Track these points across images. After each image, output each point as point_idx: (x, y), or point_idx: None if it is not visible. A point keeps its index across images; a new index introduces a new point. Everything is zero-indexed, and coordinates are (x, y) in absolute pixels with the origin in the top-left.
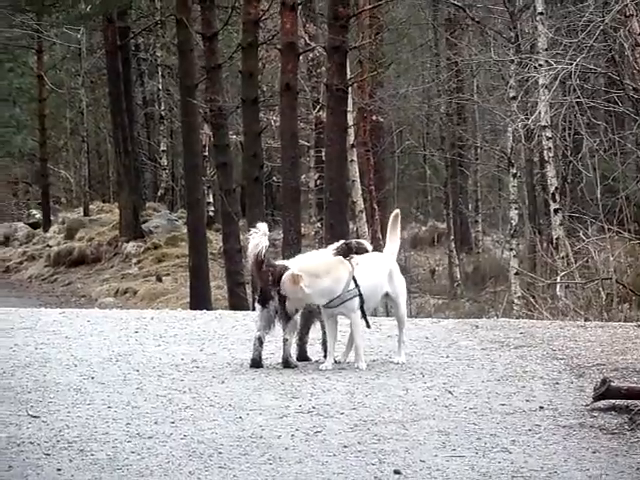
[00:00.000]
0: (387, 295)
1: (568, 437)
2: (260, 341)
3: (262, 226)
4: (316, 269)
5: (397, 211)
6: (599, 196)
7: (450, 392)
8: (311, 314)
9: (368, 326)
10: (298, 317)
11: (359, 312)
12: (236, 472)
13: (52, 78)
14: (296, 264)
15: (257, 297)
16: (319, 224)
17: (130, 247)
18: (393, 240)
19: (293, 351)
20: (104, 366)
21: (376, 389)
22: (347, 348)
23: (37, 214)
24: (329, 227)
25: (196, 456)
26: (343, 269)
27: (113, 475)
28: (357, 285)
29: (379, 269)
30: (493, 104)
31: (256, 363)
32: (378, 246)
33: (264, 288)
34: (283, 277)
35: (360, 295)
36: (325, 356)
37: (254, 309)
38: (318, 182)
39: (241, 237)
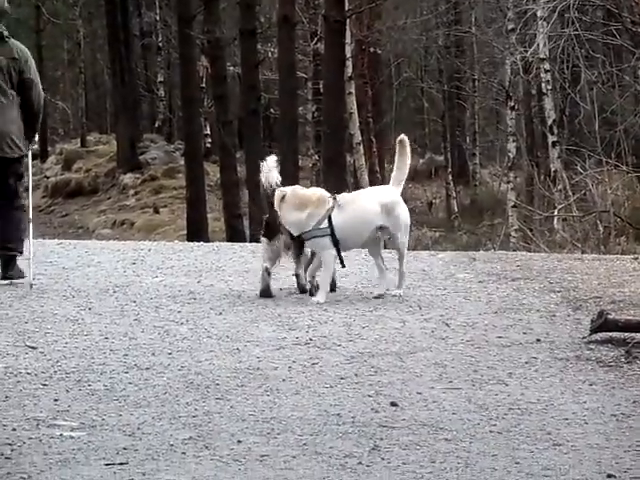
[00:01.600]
0: (382, 228)
1: (565, 370)
2: (268, 272)
3: (270, 160)
4: (299, 199)
5: (403, 136)
6: (597, 129)
7: (447, 324)
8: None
9: (342, 265)
10: (308, 251)
11: (331, 251)
12: (233, 403)
13: (49, 9)
14: (294, 190)
15: (263, 230)
16: (317, 156)
17: (127, 178)
18: (400, 168)
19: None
20: (101, 297)
21: (373, 321)
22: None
23: (34, 145)
24: (327, 159)
25: (193, 387)
26: (320, 206)
27: (110, 406)
28: (330, 224)
29: (368, 206)
30: (491, 36)
31: (266, 293)
32: (375, 179)
33: (270, 221)
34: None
35: (332, 235)
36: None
37: (257, 241)
38: (316, 114)
39: (239, 169)
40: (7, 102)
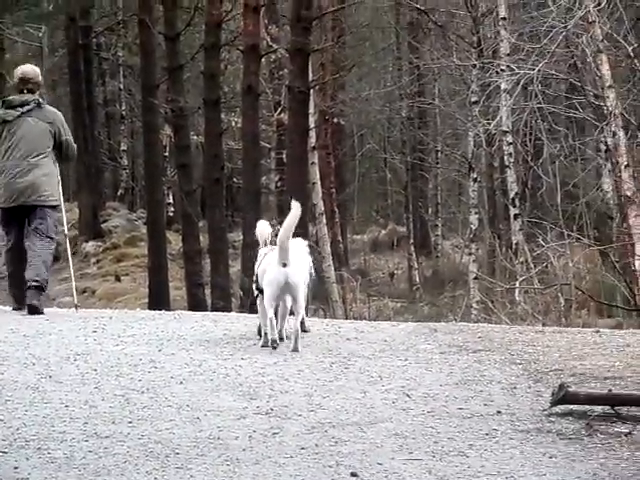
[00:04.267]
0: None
1: (525, 442)
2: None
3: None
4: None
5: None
6: (559, 202)
7: (408, 395)
8: None
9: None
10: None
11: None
12: (193, 472)
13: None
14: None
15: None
16: (279, 226)
17: (89, 246)
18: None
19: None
20: (62, 365)
21: (334, 391)
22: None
23: None
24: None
25: (153, 456)
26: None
27: (70, 474)
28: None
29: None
30: (454, 108)
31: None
32: (337, 249)
33: None
34: None
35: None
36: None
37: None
38: (279, 184)
39: (201, 238)
40: (44, 159)
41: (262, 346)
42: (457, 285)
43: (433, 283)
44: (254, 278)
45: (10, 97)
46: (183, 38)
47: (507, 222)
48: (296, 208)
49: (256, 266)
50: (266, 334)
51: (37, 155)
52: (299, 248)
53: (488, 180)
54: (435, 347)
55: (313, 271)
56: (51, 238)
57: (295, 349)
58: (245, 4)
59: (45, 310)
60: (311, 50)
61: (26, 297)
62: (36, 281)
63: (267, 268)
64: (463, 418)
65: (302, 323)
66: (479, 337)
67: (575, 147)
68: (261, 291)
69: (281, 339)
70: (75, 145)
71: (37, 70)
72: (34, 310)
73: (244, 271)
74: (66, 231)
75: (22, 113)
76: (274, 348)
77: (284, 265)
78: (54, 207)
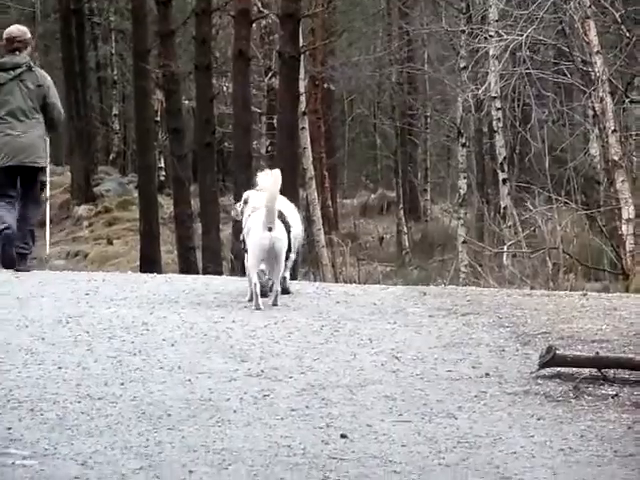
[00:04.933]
0: None
1: (513, 404)
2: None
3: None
4: None
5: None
6: (547, 166)
7: (397, 358)
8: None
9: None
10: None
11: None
12: (185, 433)
13: None
14: None
15: None
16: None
17: (82, 210)
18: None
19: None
20: (55, 327)
21: (324, 354)
22: None
23: None
24: (280, 193)
25: (145, 417)
26: None
27: (62, 435)
28: None
29: None
30: (444, 74)
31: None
32: (327, 213)
33: None
34: None
35: None
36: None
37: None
38: (269, 149)
39: (192, 202)
40: (35, 121)
41: (248, 300)
42: (446, 249)
43: (422, 247)
44: (241, 238)
45: (2, 60)
46: (175, 3)
47: (495, 187)
48: (277, 173)
49: (243, 226)
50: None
51: (30, 117)
52: (289, 208)
53: (477, 145)
54: (424, 310)
55: (299, 228)
56: (38, 203)
57: (274, 303)
58: None
59: (37, 273)
60: (302, 15)
61: (11, 252)
62: (23, 248)
63: (252, 230)
64: (452, 380)
65: (284, 283)
66: (468, 300)
67: (563, 112)
68: (247, 250)
69: (264, 295)
70: (62, 110)
71: (23, 29)
72: (24, 258)
73: (235, 235)
74: (48, 194)
75: (14, 77)
76: (258, 310)
77: (269, 229)
78: (43, 169)
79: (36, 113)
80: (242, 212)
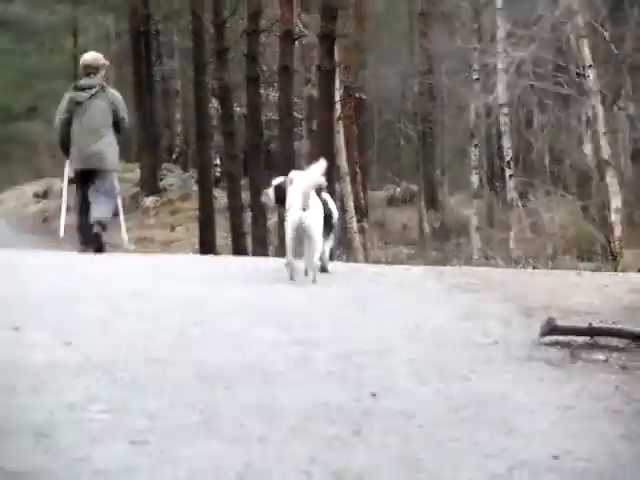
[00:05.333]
0: None
1: (518, 367)
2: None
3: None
4: None
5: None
6: (547, 164)
7: (419, 328)
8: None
9: None
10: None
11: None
12: (237, 393)
13: None
14: None
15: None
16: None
17: (149, 201)
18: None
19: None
20: (126, 301)
21: (356, 325)
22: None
23: (71, 172)
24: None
25: (203, 379)
26: None
27: (133, 393)
28: None
29: None
30: (458, 85)
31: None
32: (359, 204)
33: None
34: None
35: None
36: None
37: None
38: (309, 149)
39: (243, 195)
40: (107, 133)
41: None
42: (461, 235)
43: (440, 233)
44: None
45: (80, 82)
46: (228, 25)
47: (503, 181)
48: (322, 162)
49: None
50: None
51: (101, 129)
52: (327, 198)
53: (487, 146)
54: (442, 287)
55: (336, 215)
56: (110, 196)
57: (314, 280)
58: None
59: (111, 255)
60: (337, 35)
61: (91, 238)
62: (99, 219)
63: (289, 212)
64: (466, 347)
65: (323, 263)
66: (479, 279)
67: (561, 118)
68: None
69: (306, 274)
70: (128, 120)
71: (96, 55)
72: (98, 241)
73: (280, 222)
74: (118, 190)
75: (91, 95)
76: (292, 279)
77: (304, 209)
78: (114, 171)
79: (108, 126)
80: (284, 191)
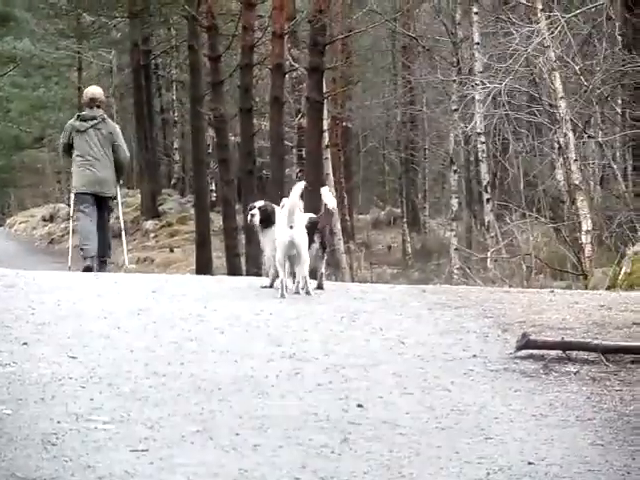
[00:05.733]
0: None
1: (495, 379)
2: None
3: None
4: None
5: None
6: (522, 189)
7: (402, 342)
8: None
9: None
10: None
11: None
12: (232, 404)
13: None
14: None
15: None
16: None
17: (149, 224)
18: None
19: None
20: (128, 318)
21: (344, 340)
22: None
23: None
24: (308, 211)
25: (200, 391)
26: None
27: (134, 404)
28: None
29: None
30: (439, 114)
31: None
32: (346, 226)
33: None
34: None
35: None
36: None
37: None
38: (299, 175)
39: (237, 218)
40: (107, 160)
41: (264, 286)
42: (441, 255)
43: (422, 253)
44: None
45: (83, 112)
46: (223, 59)
47: (481, 205)
48: (298, 185)
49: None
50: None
51: (104, 157)
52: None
53: (465, 171)
54: (424, 304)
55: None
56: (108, 221)
57: (307, 292)
58: (273, 32)
59: (113, 275)
60: (324, 68)
61: (94, 266)
62: (103, 256)
63: (277, 231)
64: (446, 360)
65: (320, 281)
66: (459, 296)
67: (534, 145)
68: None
69: (297, 292)
70: (127, 150)
71: (99, 90)
72: (89, 269)
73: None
74: (121, 214)
75: (92, 125)
76: (282, 298)
77: (291, 227)
78: (113, 198)
79: (108, 154)
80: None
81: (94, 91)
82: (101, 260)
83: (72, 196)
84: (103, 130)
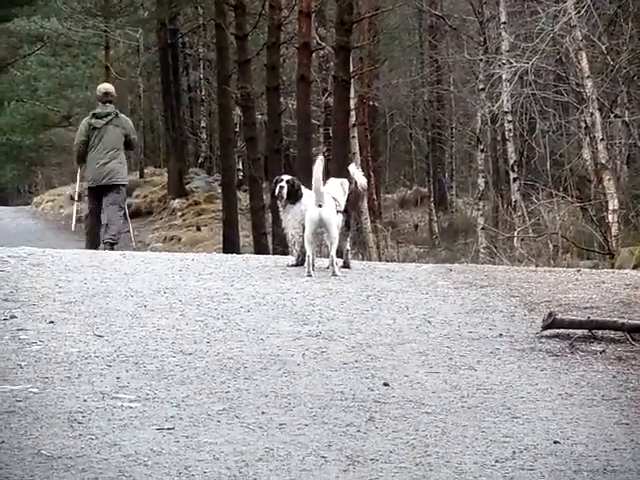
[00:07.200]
0: None
1: (521, 358)
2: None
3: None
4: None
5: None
6: (548, 168)
7: (429, 322)
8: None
9: None
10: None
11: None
12: (258, 382)
13: (116, 69)
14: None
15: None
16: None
17: (176, 203)
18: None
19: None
20: (154, 297)
21: (370, 319)
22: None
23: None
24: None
25: (226, 369)
26: None
27: (160, 383)
28: None
29: None
30: (466, 94)
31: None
32: (373, 205)
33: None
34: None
35: None
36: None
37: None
38: (326, 154)
39: (264, 196)
40: (120, 152)
41: (291, 265)
42: (468, 234)
43: (449, 233)
44: None
45: (98, 110)
46: (250, 38)
47: (507, 184)
48: (318, 161)
49: None
50: (304, 255)
51: (114, 150)
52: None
53: (492, 151)
54: (450, 283)
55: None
56: (121, 207)
57: (334, 274)
58: (300, 10)
59: (141, 253)
60: (351, 47)
61: (97, 245)
62: (111, 239)
63: (307, 209)
64: (472, 340)
65: (346, 259)
66: (485, 275)
67: (561, 125)
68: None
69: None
70: (137, 140)
71: (112, 87)
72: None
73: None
74: (126, 201)
75: (106, 122)
76: (309, 276)
77: (319, 206)
78: (124, 185)
79: (120, 147)
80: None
81: (107, 87)
82: (111, 243)
83: (78, 178)
84: (117, 125)
